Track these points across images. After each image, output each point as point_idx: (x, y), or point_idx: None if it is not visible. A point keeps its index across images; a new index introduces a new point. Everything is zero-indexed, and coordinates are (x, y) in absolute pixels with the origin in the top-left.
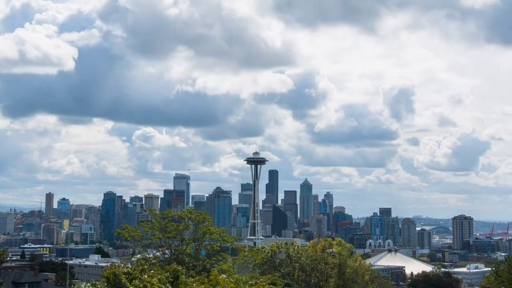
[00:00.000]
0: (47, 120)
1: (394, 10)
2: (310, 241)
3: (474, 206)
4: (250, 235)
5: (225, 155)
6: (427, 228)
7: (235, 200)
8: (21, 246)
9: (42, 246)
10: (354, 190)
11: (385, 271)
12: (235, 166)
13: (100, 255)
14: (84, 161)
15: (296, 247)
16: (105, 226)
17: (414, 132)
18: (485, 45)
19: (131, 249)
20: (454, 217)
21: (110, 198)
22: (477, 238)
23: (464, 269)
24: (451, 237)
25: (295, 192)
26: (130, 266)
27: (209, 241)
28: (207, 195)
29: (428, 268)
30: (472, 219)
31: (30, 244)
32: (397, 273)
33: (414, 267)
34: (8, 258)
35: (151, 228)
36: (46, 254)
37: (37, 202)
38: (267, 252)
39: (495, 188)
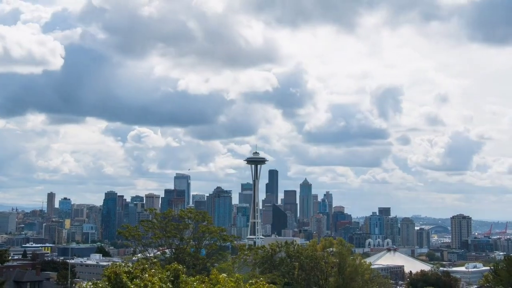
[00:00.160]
0: (37, 119)
1: (374, 8)
2: (310, 240)
3: (471, 205)
4: (250, 235)
5: (220, 155)
6: (426, 227)
7: (235, 200)
8: (23, 245)
9: (43, 245)
10: (350, 189)
11: (384, 270)
12: (231, 166)
13: (101, 254)
14: (80, 161)
15: (296, 246)
16: (106, 226)
17: (405, 131)
18: (468, 44)
19: (132, 248)
20: (453, 216)
21: (111, 198)
22: (475, 238)
23: (462, 268)
24: (450, 236)
25: (294, 191)
26: (131, 265)
27: (209, 240)
28: (208, 195)
29: (427, 267)
30: (470, 218)
31: (32, 243)
32: (396, 272)
33: (413, 266)
34: (10, 258)
35: (151, 227)
36: (47, 253)
37: (38, 201)
38: (267, 251)
39: (491, 187)
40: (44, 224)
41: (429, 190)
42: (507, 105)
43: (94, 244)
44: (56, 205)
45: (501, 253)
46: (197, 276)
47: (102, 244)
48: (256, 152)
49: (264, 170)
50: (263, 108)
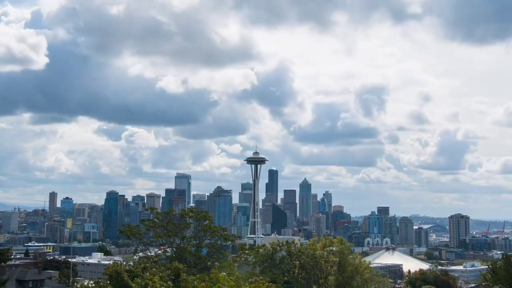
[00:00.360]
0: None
1: (351, 7)
2: (310, 239)
3: (468, 205)
4: (250, 234)
5: (214, 155)
6: (424, 226)
7: (235, 199)
8: (25, 244)
9: (45, 244)
10: (346, 189)
11: (383, 269)
12: (226, 165)
13: (102, 253)
14: (76, 160)
15: (298, 245)
16: (107, 225)
17: (392, 130)
18: (448, 43)
19: (133, 247)
20: (451, 216)
21: (113, 197)
22: (473, 237)
23: (460, 267)
24: (448, 235)
25: (294, 191)
26: (132, 264)
27: (210, 239)
28: (208, 194)
29: (425, 266)
30: (468, 218)
31: (34, 242)
32: (395, 271)
33: (412, 265)
34: (12, 257)
35: (153, 226)
36: (49, 252)
37: (40, 201)
38: (267, 250)
39: (486, 187)
40: (46, 224)
41: (425, 190)
42: (492, 104)
43: (95, 243)
44: (58, 204)
45: (499, 252)
46: (198, 275)
47: (104, 243)
48: (256, 152)
49: (263, 169)
50: (250, 107)
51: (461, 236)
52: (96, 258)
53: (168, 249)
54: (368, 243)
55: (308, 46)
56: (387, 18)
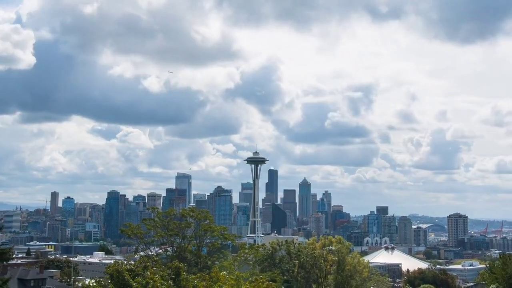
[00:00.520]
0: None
1: (331, 6)
2: (310, 239)
3: (466, 204)
4: (250, 233)
5: (209, 154)
6: (423, 226)
7: (235, 199)
8: (27, 243)
9: (47, 243)
10: (343, 188)
11: (382, 268)
12: (222, 164)
13: (104, 253)
14: (72, 160)
15: (297, 244)
16: (108, 224)
17: (383, 130)
18: (433, 42)
19: (134, 247)
20: (449, 215)
21: (114, 197)
22: (471, 236)
23: (459, 266)
24: (447, 235)
25: (294, 191)
26: (133, 263)
27: (210, 238)
28: (208, 194)
29: (424, 265)
30: (466, 217)
31: (36, 241)
32: (394, 270)
33: (410, 264)
34: (14, 256)
35: (153, 226)
36: (51, 251)
37: (42, 200)
38: (267, 250)
39: (482, 186)
40: (47, 223)
41: (421, 189)
42: (480, 103)
43: (96, 243)
44: (60, 204)
45: (497, 251)
46: (198, 274)
47: (105, 243)
48: (256, 152)
49: (263, 169)
50: (238, 106)
51: (460, 235)
52: (97, 257)
53: (168, 249)
54: (367, 242)
55: (290, 45)
56: (365, 17)
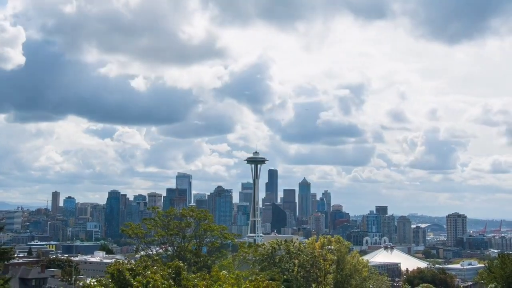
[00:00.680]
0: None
1: (316, 6)
2: (309, 238)
3: (464, 204)
4: (250, 233)
5: (206, 154)
6: (422, 225)
7: (235, 199)
8: (28, 243)
9: (48, 243)
10: (340, 188)
11: (381, 268)
12: (219, 164)
13: (104, 252)
14: (69, 160)
15: (296, 244)
16: (109, 224)
17: (376, 129)
18: (420, 40)
19: (135, 246)
20: (448, 215)
21: (114, 197)
22: (470, 235)
23: (458, 266)
24: (445, 234)
25: (294, 190)
26: (133, 262)
27: (210, 238)
28: (209, 194)
29: (423, 264)
30: (465, 217)
31: (37, 241)
32: (393, 269)
33: (410, 263)
34: (15, 255)
35: (154, 225)
36: (52, 251)
37: (43, 200)
38: (267, 249)
39: (479, 186)
40: (49, 223)
41: (419, 189)
42: (471, 102)
43: (97, 242)
44: (61, 203)
45: (495, 251)
46: (198, 273)
47: (106, 242)
48: (256, 152)
49: (263, 169)
50: (229, 105)
51: (459, 235)
52: (98, 256)
53: (169, 248)
54: (366, 242)
55: (276, 44)
56: (349, 16)
